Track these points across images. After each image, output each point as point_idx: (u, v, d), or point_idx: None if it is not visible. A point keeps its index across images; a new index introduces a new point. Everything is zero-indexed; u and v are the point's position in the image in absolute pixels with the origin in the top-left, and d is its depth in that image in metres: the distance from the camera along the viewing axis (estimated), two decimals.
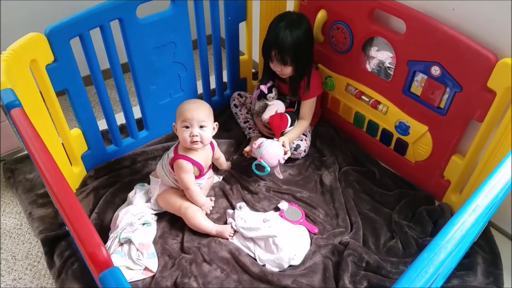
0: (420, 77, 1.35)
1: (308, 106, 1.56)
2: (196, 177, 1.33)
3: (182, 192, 1.34)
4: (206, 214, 1.36)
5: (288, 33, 1.40)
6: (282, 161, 1.44)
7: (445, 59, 1.25)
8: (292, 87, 1.54)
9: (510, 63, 1.10)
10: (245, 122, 1.70)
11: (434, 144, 1.40)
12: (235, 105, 1.74)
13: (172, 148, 1.35)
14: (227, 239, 1.30)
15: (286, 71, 1.48)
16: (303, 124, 1.57)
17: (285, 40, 1.40)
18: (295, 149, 1.56)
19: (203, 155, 1.33)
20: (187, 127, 1.26)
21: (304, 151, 1.58)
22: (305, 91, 1.53)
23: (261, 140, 1.44)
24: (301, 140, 1.58)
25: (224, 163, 1.52)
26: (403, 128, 1.46)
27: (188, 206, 1.31)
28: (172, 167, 1.31)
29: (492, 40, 1.17)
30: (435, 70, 1.28)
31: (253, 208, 1.40)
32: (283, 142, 1.45)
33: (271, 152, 1.41)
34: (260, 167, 1.42)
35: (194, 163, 1.30)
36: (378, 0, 1.35)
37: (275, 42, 1.42)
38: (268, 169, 1.41)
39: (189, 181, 1.30)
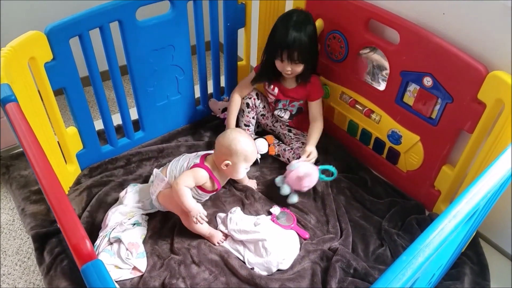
0: (412, 87, 1.37)
1: (317, 106, 1.56)
2: (208, 191, 1.35)
3: None
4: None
5: (302, 32, 1.39)
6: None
7: (437, 71, 1.27)
8: (301, 83, 1.54)
9: (500, 75, 1.12)
10: (245, 125, 1.66)
11: (425, 154, 1.41)
12: (247, 104, 1.63)
13: (198, 156, 1.34)
14: (215, 245, 1.30)
15: (296, 69, 1.46)
16: (319, 126, 1.55)
17: (298, 38, 1.39)
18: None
19: (224, 177, 1.37)
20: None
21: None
22: (312, 92, 1.54)
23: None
24: None
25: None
26: (395, 138, 1.48)
27: None
28: None
29: (483, 53, 1.19)
30: (427, 81, 1.30)
31: (245, 211, 1.41)
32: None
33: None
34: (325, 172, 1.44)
35: (214, 179, 1.32)
36: (373, 11, 1.37)
37: (288, 41, 1.39)
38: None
39: (186, 182, 1.25)
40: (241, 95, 1.63)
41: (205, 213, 1.27)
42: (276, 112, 1.66)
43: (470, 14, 1.19)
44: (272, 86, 1.59)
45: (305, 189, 1.41)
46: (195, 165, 1.30)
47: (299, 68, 1.46)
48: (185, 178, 1.27)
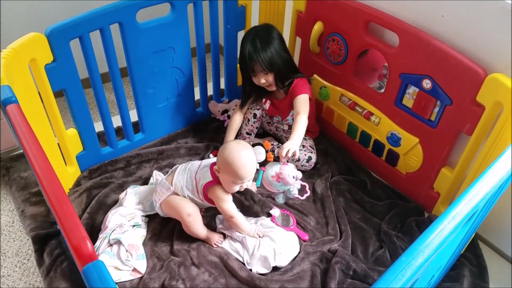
0: (411, 89, 1.37)
1: (301, 101, 1.48)
2: None
3: (187, 199, 1.30)
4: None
5: (258, 42, 1.43)
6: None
7: (436, 73, 1.27)
8: (282, 88, 1.53)
9: (499, 78, 1.12)
10: (247, 133, 1.65)
11: (425, 156, 1.41)
12: (254, 114, 1.63)
13: (205, 167, 1.28)
14: (212, 246, 1.30)
15: (268, 79, 1.48)
16: (302, 119, 1.43)
17: (253, 50, 1.43)
18: (307, 160, 1.58)
19: None
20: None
21: (314, 161, 1.60)
22: (293, 91, 1.51)
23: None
24: (311, 152, 1.60)
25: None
26: (395, 140, 1.48)
27: (191, 213, 1.28)
28: (204, 190, 1.26)
29: (482, 56, 1.20)
30: (426, 83, 1.30)
31: (245, 213, 1.41)
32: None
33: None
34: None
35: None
36: (373, 14, 1.38)
37: (246, 55, 1.44)
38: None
39: (233, 209, 1.26)
40: (243, 111, 1.64)
41: (261, 229, 1.33)
42: (275, 125, 1.69)
43: (469, 16, 1.19)
44: (264, 100, 1.61)
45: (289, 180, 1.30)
46: (209, 184, 1.24)
47: (270, 77, 1.48)
48: (231, 207, 1.26)
